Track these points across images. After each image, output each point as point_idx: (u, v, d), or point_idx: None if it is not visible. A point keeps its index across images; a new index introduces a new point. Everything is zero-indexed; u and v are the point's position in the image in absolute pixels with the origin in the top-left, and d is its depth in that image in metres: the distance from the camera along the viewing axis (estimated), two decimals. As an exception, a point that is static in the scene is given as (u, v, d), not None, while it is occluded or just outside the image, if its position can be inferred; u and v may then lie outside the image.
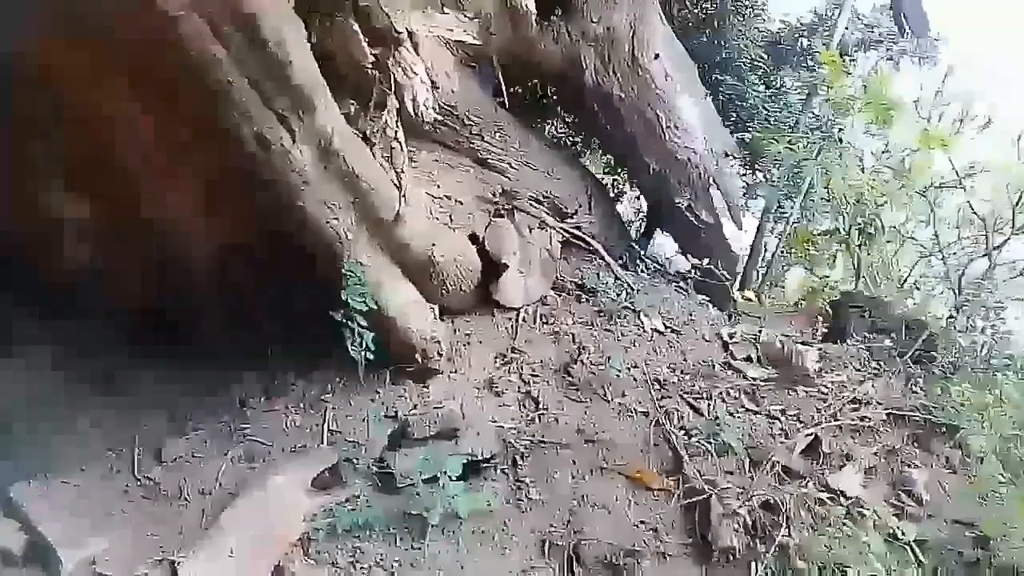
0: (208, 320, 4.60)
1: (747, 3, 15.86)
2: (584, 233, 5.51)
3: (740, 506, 4.07)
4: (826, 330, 6.48)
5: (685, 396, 4.84)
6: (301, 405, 4.58)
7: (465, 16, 4.27)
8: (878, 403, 5.22)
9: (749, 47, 16.64)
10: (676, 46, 5.34)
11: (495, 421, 4.60)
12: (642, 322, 5.25)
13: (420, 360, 4.60)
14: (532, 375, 4.91)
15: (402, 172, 3.77)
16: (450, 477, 4.00)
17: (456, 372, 4.83)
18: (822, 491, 4.36)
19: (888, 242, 7.58)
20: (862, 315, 8.81)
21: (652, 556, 3.90)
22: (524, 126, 5.25)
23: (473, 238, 4.90)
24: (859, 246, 6.75)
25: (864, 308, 9.25)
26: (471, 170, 4.79)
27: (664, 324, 5.35)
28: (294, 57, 3.21)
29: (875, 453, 4.80)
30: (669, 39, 5.19)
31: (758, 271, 13.82)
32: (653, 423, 4.63)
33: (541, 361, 4.97)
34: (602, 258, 5.31)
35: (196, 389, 4.71)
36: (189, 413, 4.63)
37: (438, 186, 4.54)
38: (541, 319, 5.22)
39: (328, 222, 3.73)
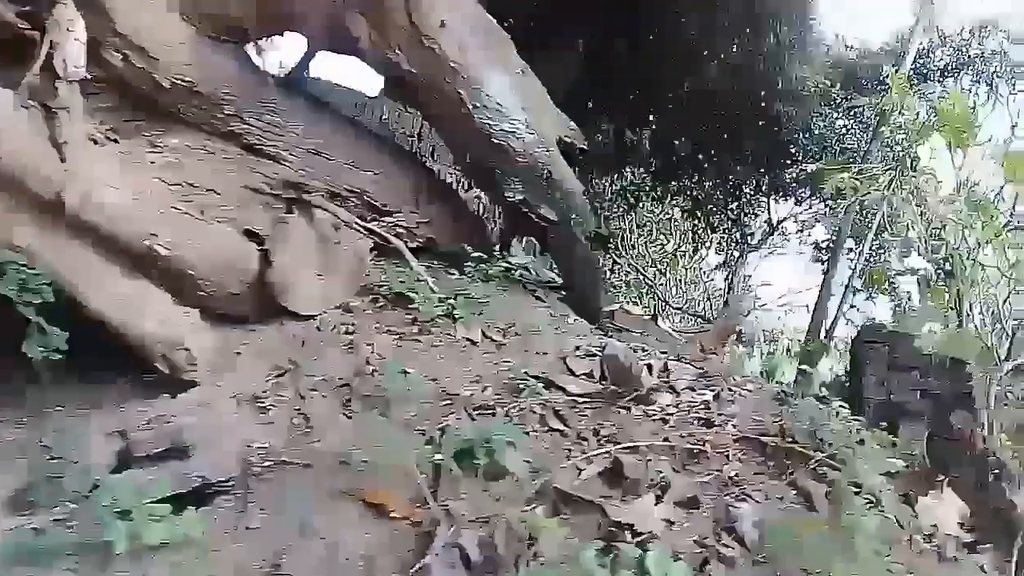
0: None
1: (802, 31, 15.28)
2: (415, 234, 4.93)
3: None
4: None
5: (474, 412, 4.21)
6: (23, 418, 4.12)
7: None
8: (733, 427, 4.54)
9: (812, 75, 15.99)
10: (478, 15, 4.74)
11: (246, 439, 4.05)
12: (457, 332, 4.64)
13: (166, 369, 4.10)
14: (311, 390, 4.34)
15: (66, 144, 3.30)
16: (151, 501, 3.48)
17: (220, 384, 4.30)
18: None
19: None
20: (882, 350, 8.17)
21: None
22: (317, 110, 4.72)
23: (251, 234, 4.40)
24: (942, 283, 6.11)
25: (884, 343, 8.55)
26: (237, 157, 4.29)
27: (486, 334, 4.71)
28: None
29: (706, 482, 4.09)
30: (466, 6, 4.59)
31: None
32: (427, 442, 4.01)
33: (325, 374, 4.41)
34: (408, 261, 4.68)
35: None
36: None
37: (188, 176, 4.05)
38: (340, 328, 4.66)
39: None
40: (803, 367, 12.02)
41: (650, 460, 4.08)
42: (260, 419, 4.20)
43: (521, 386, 4.38)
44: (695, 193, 19.22)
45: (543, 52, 16.45)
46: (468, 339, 4.56)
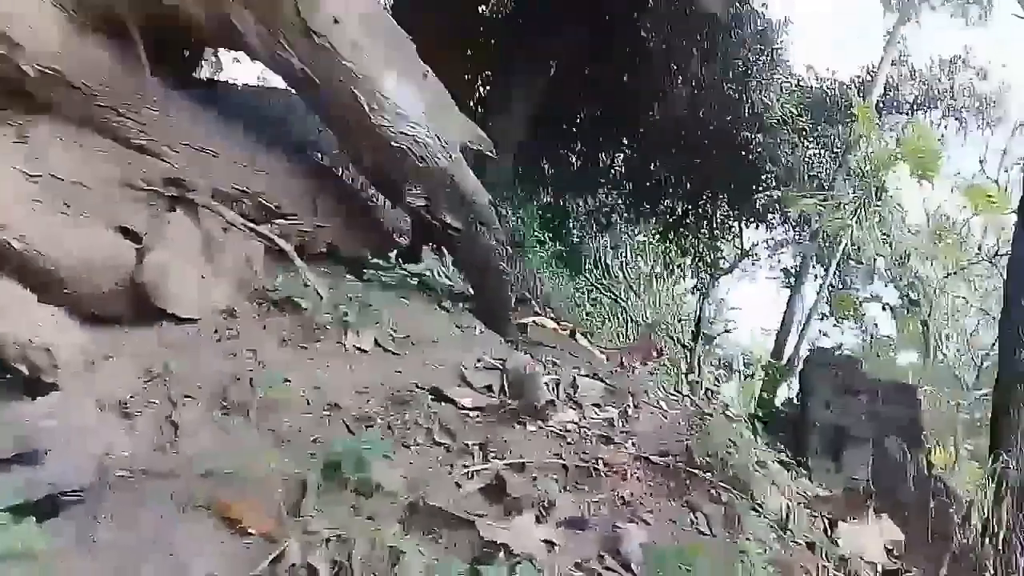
0: None
1: (768, 61, 15.29)
2: (315, 239, 4.71)
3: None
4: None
5: (354, 423, 3.98)
6: None
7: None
8: (633, 445, 4.33)
9: (777, 103, 15.97)
10: (376, 15, 4.55)
11: (107, 447, 3.80)
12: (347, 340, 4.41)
13: (26, 370, 3.86)
14: (186, 396, 4.10)
15: None
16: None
17: (85, 388, 4.06)
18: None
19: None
20: (830, 374, 8.05)
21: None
22: (209, 108, 4.51)
23: (128, 232, 4.18)
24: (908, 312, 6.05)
25: (832, 367, 8.43)
26: (112, 152, 4.06)
27: (379, 344, 4.49)
28: None
29: (597, 503, 3.89)
30: (363, 4, 4.39)
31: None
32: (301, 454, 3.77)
33: (201, 380, 4.17)
34: (295, 265, 4.45)
35: None
36: None
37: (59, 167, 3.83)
38: (224, 332, 4.42)
39: None
40: (763, 392, 11.84)
41: (536, 478, 3.85)
42: (125, 426, 3.96)
43: (408, 398, 4.15)
44: (668, 216, 19.15)
45: (514, 72, 16.47)
46: (358, 348, 4.32)
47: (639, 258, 22.88)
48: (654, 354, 6.20)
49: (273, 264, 4.70)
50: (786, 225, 17.23)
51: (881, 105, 15.62)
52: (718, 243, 19.21)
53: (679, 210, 19.09)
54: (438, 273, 5.05)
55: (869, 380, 8.47)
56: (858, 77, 16.48)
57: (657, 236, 20.03)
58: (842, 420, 7.99)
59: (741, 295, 22.18)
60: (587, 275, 21.37)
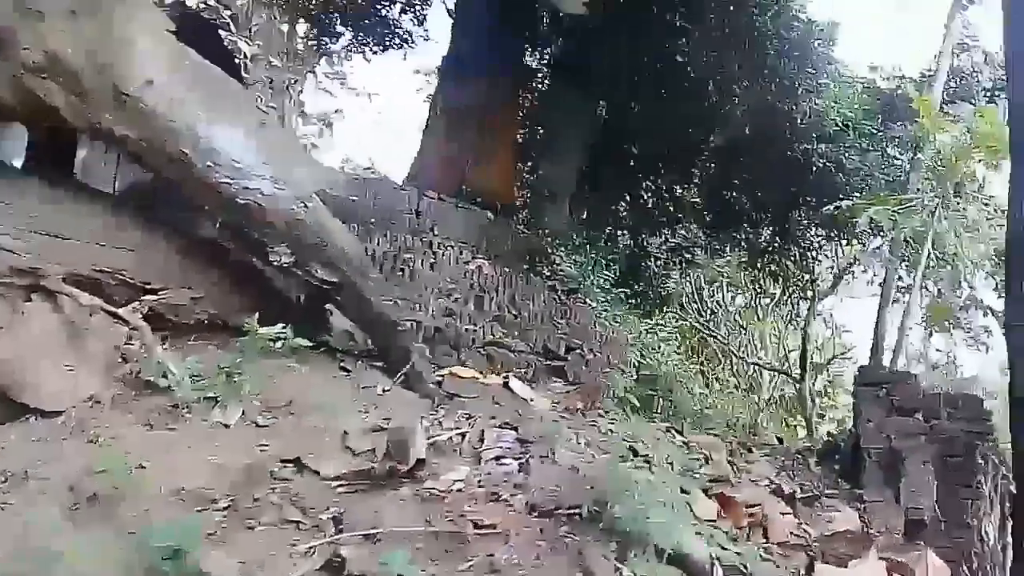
0: None
1: (811, 66, 14.53)
2: (191, 311, 4.49)
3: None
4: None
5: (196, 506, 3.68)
6: None
7: None
8: (526, 502, 3.87)
9: (833, 109, 15.12)
10: (200, 68, 4.32)
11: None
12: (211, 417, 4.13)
13: None
14: (41, 493, 3.90)
15: None
16: None
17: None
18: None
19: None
20: (878, 395, 7.49)
21: None
22: (58, 189, 4.37)
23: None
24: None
25: (883, 385, 7.85)
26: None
27: (250, 418, 4.19)
28: None
29: (464, 572, 3.47)
30: (179, 59, 4.17)
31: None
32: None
33: (58, 476, 3.96)
34: (146, 342, 4.21)
35: None
36: None
37: None
38: (90, 422, 4.21)
39: None
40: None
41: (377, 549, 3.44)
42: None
43: (262, 474, 3.81)
44: (753, 243, 18.27)
45: (560, 117, 16.22)
46: (223, 423, 4.03)
47: (730, 291, 21.95)
48: (600, 396, 5.74)
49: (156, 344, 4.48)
50: (880, 236, 16.05)
51: (946, 96, 14.40)
52: (810, 264, 18.08)
53: (764, 235, 18.16)
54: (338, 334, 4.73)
55: (926, 395, 7.63)
56: (929, 71, 15.32)
57: (745, 265, 19.12)
58: (897, 443, 7.21)
59: (849, 316, 20.75)
60: (678, 315, 20.60)
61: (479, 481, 4.10)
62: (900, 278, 13.81)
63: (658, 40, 14.41)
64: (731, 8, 13.71)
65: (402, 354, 4.83)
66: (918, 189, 12.77)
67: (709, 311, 21.72)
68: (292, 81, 25.92)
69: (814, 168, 14.52)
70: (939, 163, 12.28)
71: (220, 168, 4.11)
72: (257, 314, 4.44)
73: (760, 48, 13.61)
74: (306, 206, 4.32)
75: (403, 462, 3.88)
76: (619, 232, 18.75)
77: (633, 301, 17.45)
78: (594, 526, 3.78)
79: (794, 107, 13.80)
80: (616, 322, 13.99)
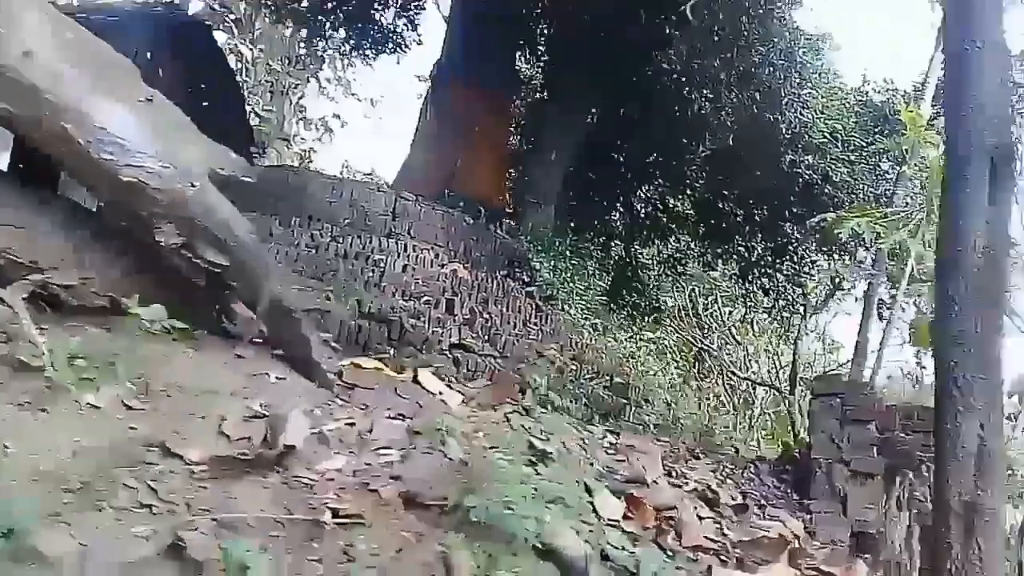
0: None
1: (796, 76, 14.39)
2: (81, 293, 4.40)
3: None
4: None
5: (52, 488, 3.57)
6: None
7: None
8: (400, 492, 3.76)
9: (820, 120, 14.97)
10: (85, 42, 4.22)
11: None
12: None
13: None
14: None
15: None
16: None
17: None
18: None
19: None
20: (831, 404, 7.11)
21: None
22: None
23: None
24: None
25: (836, 395, 7.74)
26: None
27: (123, 401, 4.08)
28: None
29: (315, 561, 3.36)
30: (67, 32, 4.08)
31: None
32: None
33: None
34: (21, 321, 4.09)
35: None
36: None
37: None
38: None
39: None
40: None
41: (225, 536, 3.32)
42: None
43: (122, 458, 3.70)
44: (745, 255, 18.10)
45: (548, 125, 16.13)
46: (92, 405, 3.92)
47: (730, 303, 21.74)
48: (514, 393, 5.61)
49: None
50: (864, 249, 15.86)
51: (936, 110, 14.25)
52: (801, 278, 17.86)
53: (757, 248, 17.98)
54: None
55: (881, 407, 7.47)
56: (919, 82, 15.19)
57: (736, 279, 18.96)
58: (847, 454, 7.04)
59: (842, 331, 20.51)
60: (672, 327, 20.41)
61: (354, 471, 3.98)
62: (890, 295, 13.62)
63: (644, 47, 14.35)
64: (719, 15, 13.63)
65: (301, 342, 4.71)
66: (906, 203, 12.60)
67: (703, 324, 21.54)
68: (293, 85, 26.02)
69: (800, 180, 14.40)
70: (923, 176, 12.09)
71: (103, 144, 4.01)
72: (137, 296, 4.33)
73: (744, 55, 13.53)
74: (193, 185, 4.21)
75: (272, 448, 3.77)
76: (612, 242, 18.63)
77: (626, 311, 17.33)
78: (464, 518, 3.65)
79: (779, 116, 13.69)
80: (596, 330, 13.86)
